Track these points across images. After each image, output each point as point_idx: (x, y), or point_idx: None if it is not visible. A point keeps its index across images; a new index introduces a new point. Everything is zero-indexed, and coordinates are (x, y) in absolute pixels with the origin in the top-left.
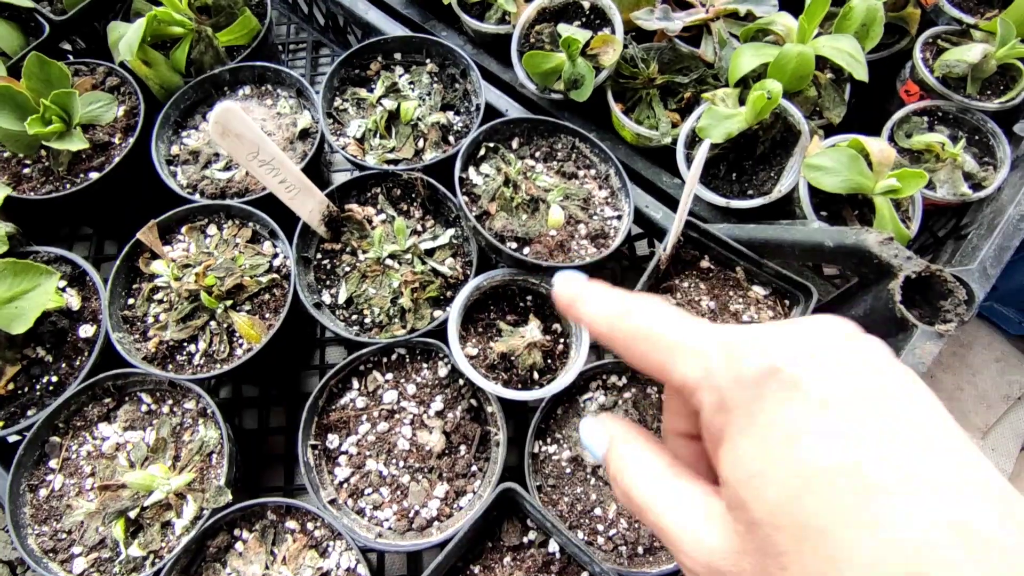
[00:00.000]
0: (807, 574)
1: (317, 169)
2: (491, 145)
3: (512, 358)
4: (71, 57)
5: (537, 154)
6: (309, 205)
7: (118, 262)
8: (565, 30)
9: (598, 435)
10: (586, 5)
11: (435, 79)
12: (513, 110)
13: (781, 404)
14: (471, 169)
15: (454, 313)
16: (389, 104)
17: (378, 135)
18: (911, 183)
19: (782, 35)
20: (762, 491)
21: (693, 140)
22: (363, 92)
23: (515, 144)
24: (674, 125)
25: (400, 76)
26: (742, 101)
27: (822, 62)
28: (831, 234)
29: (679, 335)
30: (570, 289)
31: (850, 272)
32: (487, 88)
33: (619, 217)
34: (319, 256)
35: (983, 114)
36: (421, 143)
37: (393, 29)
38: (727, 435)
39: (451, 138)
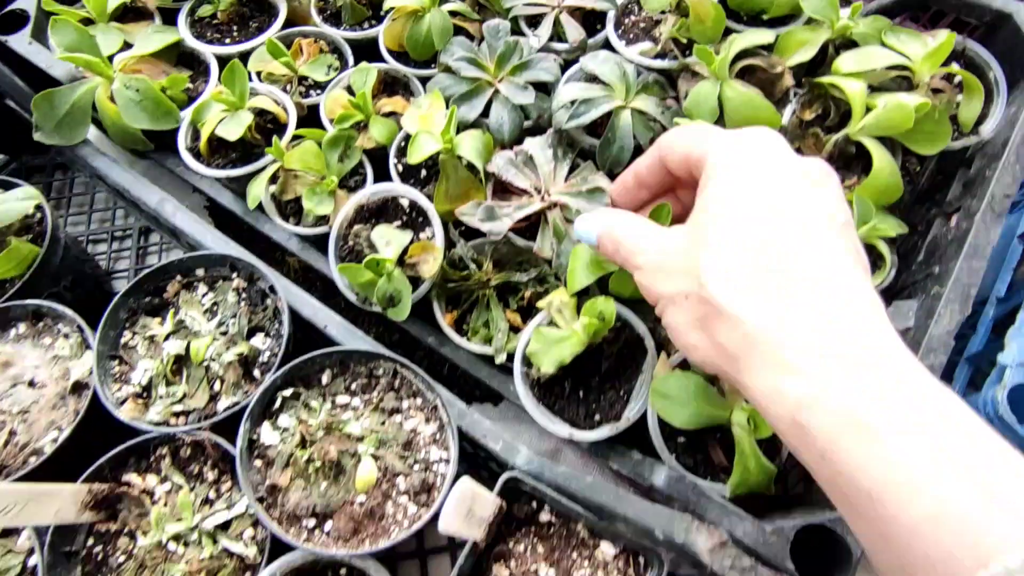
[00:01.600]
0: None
1: (108, 428)
2: (288, 394)
3: None
4: None
5: (354, 386)
6: (52, 507)
7: None
8: (380, 235)
9: (590, 224)
10: (405, 203)
11: (242, 296)
12: (332, 325)
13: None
14: (266, 424)
15: None
16: (175, 347)
17: (166, 381)
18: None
19: None
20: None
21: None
22: (155, 325)
23: (326, 378)
24: (516, 329)
25: (203, 295)
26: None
27: None
28: (661, 523)
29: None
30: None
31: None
32: (306, 301)
33: (447, 461)
34: (90, 542)
35: None
36: (218, 385)
37: (202, 233)
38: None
39: (256, 372)
